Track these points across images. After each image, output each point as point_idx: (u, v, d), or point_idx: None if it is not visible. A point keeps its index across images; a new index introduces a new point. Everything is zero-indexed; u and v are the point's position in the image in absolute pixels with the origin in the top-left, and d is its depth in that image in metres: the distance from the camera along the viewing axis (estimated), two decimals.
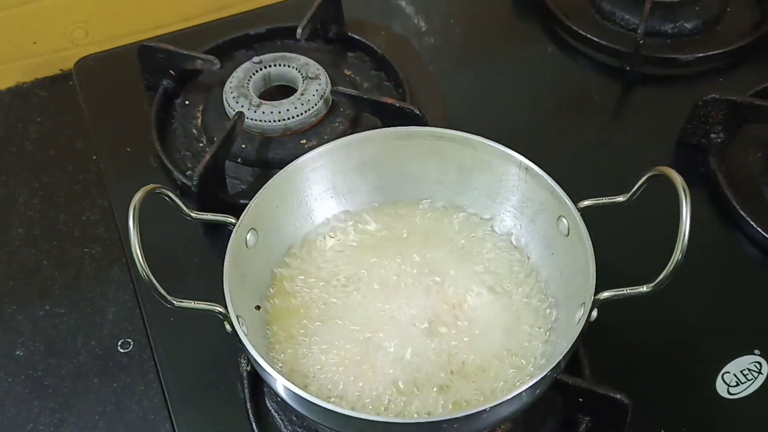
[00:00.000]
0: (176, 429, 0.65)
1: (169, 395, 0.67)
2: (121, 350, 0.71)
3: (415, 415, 0.57)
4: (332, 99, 0.83)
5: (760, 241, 0.74)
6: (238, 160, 0.81)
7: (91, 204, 0.82)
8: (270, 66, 0.85)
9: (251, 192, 0.65)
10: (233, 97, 0.81)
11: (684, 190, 0.54)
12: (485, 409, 0.51)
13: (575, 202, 0.61)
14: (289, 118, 0.80)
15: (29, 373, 0.70)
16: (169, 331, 0.70)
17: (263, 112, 0.80)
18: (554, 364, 0.53)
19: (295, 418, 0.64)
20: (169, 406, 0.66)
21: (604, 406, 0.61)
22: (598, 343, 0.64)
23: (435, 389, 0.58)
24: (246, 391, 0.65)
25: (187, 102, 0.87)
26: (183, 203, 0.60)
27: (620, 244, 0.71)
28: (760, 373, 0.66)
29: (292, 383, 0.52)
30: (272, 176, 0.65)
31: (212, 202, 0.74)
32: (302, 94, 0.82)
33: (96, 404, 0.68)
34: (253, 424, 0.64)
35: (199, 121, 0.85)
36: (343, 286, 0.65)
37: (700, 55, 0.90)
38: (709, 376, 0.66)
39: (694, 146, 0.82)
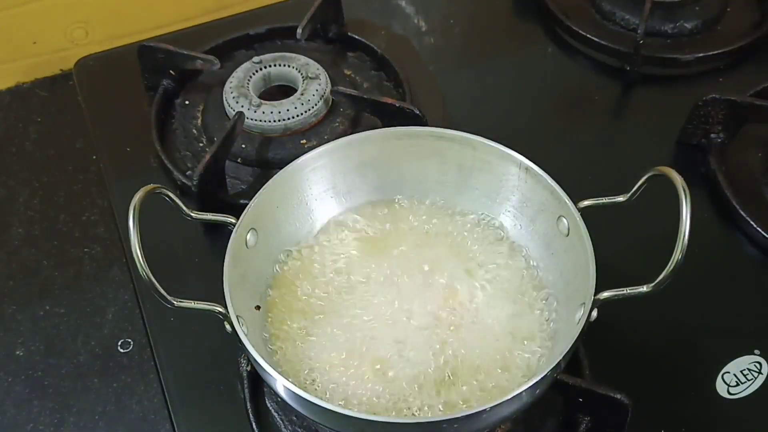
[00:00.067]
0: (176, 429, 0.65)
1: (169, 395, 0.67)
2: (121, 350, 0.71)
3: (415, 415, 0.57)
4: (332, 99, 0.83)
5: (760, 241, 0.74)
6: (238, 160, 0.81)
7: (91, 204, 0.82)
8: (270, 66, 0.85)
9: (251, 192, 0.65)
10: (233, 97, 0.81)
11: (684, 190, 0.54)
12: (485, 409, 0.51)
13: (575, 202, 0.61)
14: (289, 118, 0.80)
15: (29, 373, 0.70)
16: (169, 331, 0.70)
17: (263, 112, 0.80)
18: (554, 364, 0.53)
19: (295, 418, 0.64)
20: (169, 406, 0.66)
21: (604, 406, 0.61)
22: (598, 343, 0.64)
23: (435, 389, 0.58)
24: (246, 391, 0.65)
25: (187, 102, 0.87)
26: (183, 203, 0.60)
27: (620, 244, 0.71)
28: (760, 373, 0.66)
29: (292, 383, 0.52)
30: (272, 176, 0.65)
31: (212, 202, 0.74)
32: (302, 94, 0.82)
33: (96, 404, 0.68)
34: (253, 424, 0.64)
35: (199, 121, 0.85)
36: (343, 285, 0.65)
37: (700, 55, 0.90)
38: (709, 376, 0.66)
39: (694, 146, 0.82)
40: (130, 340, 0.72)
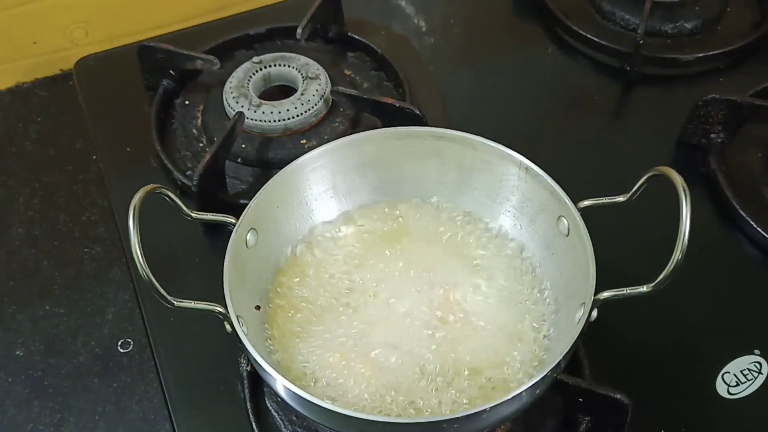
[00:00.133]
0: (176, 429, 0.65)
1: (169, 395, 0.67)
2: (121, 350, 0.71)
3: (415, 415, 0.57)
4: (332, 99, 0.83)
5: (760, 241, 0.74)
6: (238, 160, 0.81)
7: (91, 204, 0.82)
8: (270, 66, 0.85)
9: (251, 192, 0.65)
10: (233, 97, 0.81)
11: (684, 190, 0.54)
12: (485, 409, 0.51)
13: (575, 202, 0.61)
14: (289, 118, 0.80)
15: (29, 373, 0.70)
16: (169, 331, 0.70)
17: (263, 112, 0.80)
18: (554, 364, 0.53)
19: (295, 418, 0.64)
20: (169, 406, 0.66)
21: (604, 406, 0.61)
22: (598, 343, 0.64)
23: (435, 389, 0.58)
24: (246, 391, 0.65)
25: (187, 102, 0.87)
26: (183, 203, 0.60)
27: (620, 244, 0.71)
28: (760, 373, 0.66)
29: (292, 383, 0.52)
30: (272, 176, 0.65)
31: (212, 202, 0.74)
32: (302, 94, 0.82)
33: (96, 404, 0.68)
34: (253, 424, 0.64)
35: (199, 121, 0.85)
36: (343, 285, 0.65)
37: (700, 55, 0.90)
38: (709, 376, 0.66)
39: (694, 146, 0.82)
40: (130, 340, 0.72)
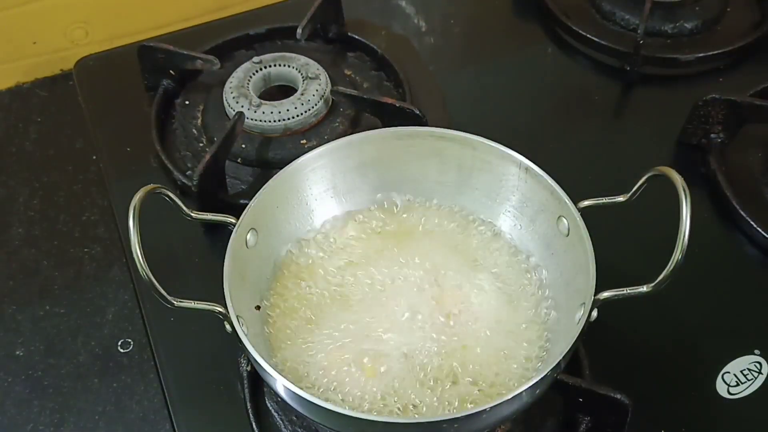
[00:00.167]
0: (176, 429, 0.65)
1: (169, 395, 0.67)
2: (121, 350, 0.71)
3: (415, 415, 0.57)
4: (332, 99, 0.83)
5: (760, 241, 0.74)
6: (238, 160, 0.81)
7: (91, 204, 0.82)
8: (270, 66, 0.85)
9: (251, 192, 0.65)
10: (233, 97, 0.81)
11: (684, 190, 0.54)
12: (485, 409, 0.51)
13: (575, 202, 0.61)
14: (289, 118, 0.80)
15: (29, 373, 0.70)
16: (169, 331, 0.70)
17: (263, 112, 0.80)
18: (554, 364, 0.53)
19: (295, 418, 0.64)
20: (169, 406, 0.66)
21: (604, 406, 0.61)
22: (598, 343, 0.64)
23: (435, 389, 0.58)
24: (246, 391, 0.65)
25: (187, 102, 0.87)
26: (183, 203, 0.60)
27: (620, 244, 0.71)
28: (760, 373, 0.66)
29: (292, 383, 0.52)
30: (272, 176, 0.65)
31: (212, 202, 0.74)
32: (302, 94, 0.82)
33: (96, 404, 0.68)
34: (253, 424, 0.64)
35: (199, 121, 0.85)
36: (343, 285, 0.65)
37: (700, 55, 0.90)
38: (709, 376, 0.66)
39: (694, 146, 0.82)
40: (130, 340, 0.72)
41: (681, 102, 0.83)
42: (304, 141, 0.81)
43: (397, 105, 0.80)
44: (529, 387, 0.52)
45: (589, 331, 0.55)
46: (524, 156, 0.64)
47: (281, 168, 0.65)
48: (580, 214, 0.60)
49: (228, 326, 0.56)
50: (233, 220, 0.61)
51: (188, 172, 0.80)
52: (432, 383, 0.59)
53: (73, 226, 0.81)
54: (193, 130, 0.85)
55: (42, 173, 0.85)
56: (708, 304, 0.71)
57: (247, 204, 0.63)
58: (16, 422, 0.67)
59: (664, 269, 0.53)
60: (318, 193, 0.68)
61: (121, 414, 0.67)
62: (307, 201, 0.68)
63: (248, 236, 0.62)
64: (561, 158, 0.79)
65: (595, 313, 0.56)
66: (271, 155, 0.80)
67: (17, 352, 0.72)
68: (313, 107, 0.81)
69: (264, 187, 0.64)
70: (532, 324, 0.62)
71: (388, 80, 0.90)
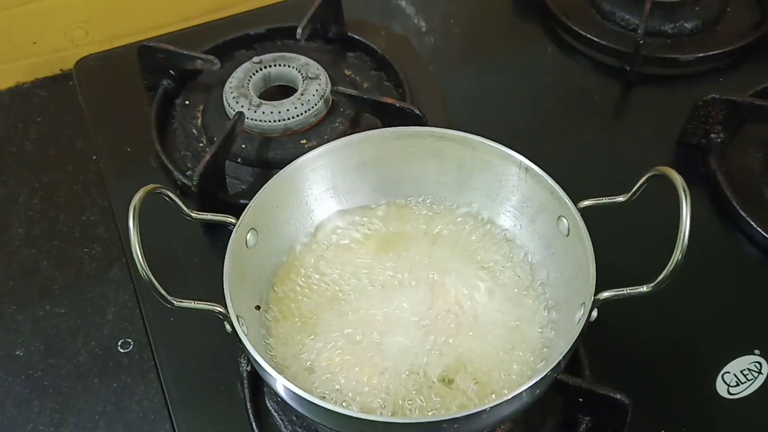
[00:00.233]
0: (176, 429, 0.65)
1: (169, 395, 0.67)
2: (121, 350, 0.71)
3: (415, 415, 0.57)
4: (332, 99, 0.83)
5: (760, 241, 0.74)
6: (238, 160, 0.81)
7: (91, 204, 0.82)
8: (270, 66, 0.85)
9: (251, 192, 0.65)
10: (233, 97, 0.81)
11: (684, 190, 0.54)
12: (485, 409, 0.51)
13: (575, 202, 0.61)
14: (289, 118, 0.80)
15: (29, 373, 0.70)
16: (169, 331, 0.70)
17: (263, 112, 0.80)
18: (554, 364, 0.53)
19: (295, 418, 0.64)
20: (169, 406, 0.66)
21: (604, 406, 0.61)
22: (598, 343, 0.64)
23: (435, 389, 0.58)
24: (246, 391, 0.65)
25: (187, 102, 0.87)
26: (183, 203, 0.60)
27: (620, 244, 0.71)
28: (760, 373, 0.66)
29: (292, 383, 0.52)
30: (272, 176, 0.65)
31: (212, 202, 0.74)
32: (302, 94, 0.82)
33: (96, 404, 0.68)
34: (253, 424, 0.64)
35: (199, 121, 0.85)
36: (343, 286, 0.65)
37: (700, 55, 0.90)
38: (709, 376, 0.66)
39: (694, 146, 0.82)
40: (130, 340, 0.72)
41: (681, 102, 0.83)
42: (304, 141, 0.81)
43: (397, 105, 0.80)
44: (529, 387, 0.52)
45: (589, 331, 0.55)
46: (524, 156, 0.64)
47: (281, 168, 0.65)
48: (580, 214, 0.60)
49: (228, 326, 0.56)
50: (233, 220, 0.61)
51: (188, 172, 0.80)
52: (432, 383, 0.59)
53: (73, 226, 0.81)
54: (193, 130, 0.85)
55: (42, 173, 0.85)
56: (708, 304, 0.71)
57: (247, 204, 0.63)
58: (16, 422, 0.67)
59: (664, 269, 0.53)
60: (318, 193, 0.68)
61: (121, 414, 0.67)
62: (307, 201, 0.68)
63: (248, 236, 0.62)
64: (561, 158, 0.79)
65: (595, 313, 0.56)
66: (271, 155, 0.80)
67: (17, 352, 0.72)
68: (313, 107, 0.81)
69: (264, 187, 0.64)
70: (532, 324, 0.62)
71: (388, 80, 0.90)
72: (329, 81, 0.84)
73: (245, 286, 0.61)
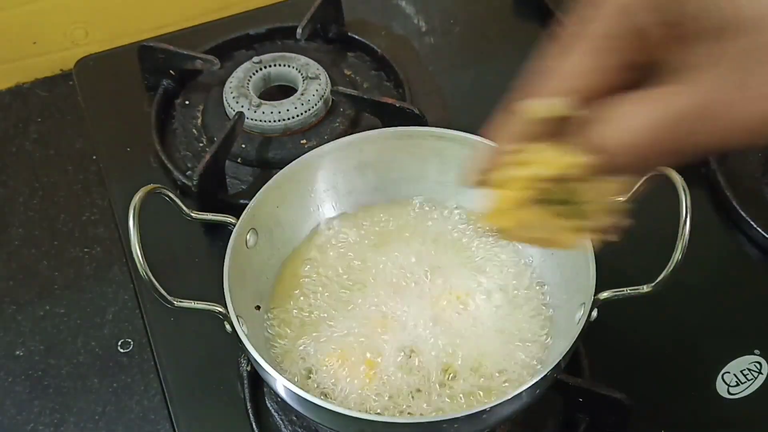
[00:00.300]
0: (176, 429, 0.65)
1: (169, 395, 0.67)
2: (121, 350, 0.71)
3: (416, 415, 0.57)
4: (332, 99, 0.83)
5: (760, 241, 0.74)
6: (238, 160, 0.81)
7: (91, 204, 0.82)
8: (270, 66, 0.85)
9: (251, 192, 0.65)
10: (233, 97, 0.81)
11: (684, 190, 0.54)
12: (485, 409, 0.51)
13: None
14: (289, 118, 0.80)
15: (29, 373, 0.70)
16: (169, 331, 0.70)
17: (263, 112, 0.80)
18: (554, 364, 0.53)
19: (295, 418, 0.64)
20: (169, 406, 0.66)
21: (604, 406, 0.61)
22: (598, 343, 0.64)
23: (435, 389, 0.58)
24: (246, 391, 0.65)
25: (187, 102, 0.87)
26: (183, 203, 0.60)
27: (620, 244, 0.71)
28: (760, 373, 0.66)
29: (292, 383, 0.52)
30: (272, 176, 0.65)
31: (212, 202, 0.74)
32: (302, 94, 0.82)
33: (96, 404, 0.68)
34: (253, 424, 0.64)
35: (199, 121, 0.85)
36: (343, 285, 0.65)
37: None
38: (709, 376, 0.66)
39: None
40: (130, 340, 0.72)
41: None
42: (304, 141, 0.81)
43: (397, 105, 0.80)
44: (529, 387, 0.52)
45: (589, 331, 0.55)
46: None
47: (281, 168, 0.65)
48: None
49: (228, 326, 0.56)
50: (233, 220, 0.61)
51: (188, 172, 0.80)
52: (432, 383, 0.59)
53: (73, 226, 0.81)
54: (193, 130, 0.85)
55: (42, 173, 0.85)
56: (708, 304, 0.71)
57: (247, 204, 0.63)
58: (16, 422, 0.67)
59: (664, 269, 0.53)
60: (318, 192, 0.68)
61: (121, 414, 0.67)
62: (307, 201, 0.68)
63: (248, 236, 0.62)
64: None
65: (595, 313, 0.56)
66: (271, 155, 0.80)
67: (17, 352, 0.72)
68: (313, 107, 0.81)
69: (264, 187, 0.64)
70: (532, 324, 0.62)
71: (388, 80, 0.90)
72: (329, 81, 0.84)
73: (245, 286, 0.61)
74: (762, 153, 0.81)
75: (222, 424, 0.66)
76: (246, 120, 0.80)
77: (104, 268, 0.77)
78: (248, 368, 0.65)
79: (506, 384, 0.59)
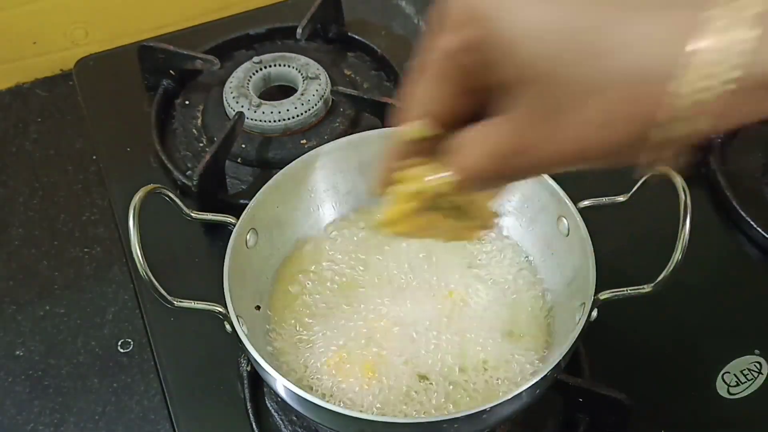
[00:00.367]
0: (176, 429, 0.65)
1: (169, 395, 0.67)
2: (121, 350, 0.71)
3: (416, 415, 0.57)
4: (332, 99, 0.83)
5: (760, 241, 0.74)
6: (238, 160, 0.81)
7: (91, 204, 0.82)
8: (270, 66, 0.85)
9: (251, 192, 0.65)
10: (233, 97, 0.81)
11: (684, 190, 0.54)
12: (485, 409, 0.51)
13: (575, 202, 0.61)
14: (289, 118, 0.80)
15: (29, 373, 0.70)
16: (169, 331, 0.70)
17: (263, 112, 0.80)
18: (554, 364, 0.53)
19: (295, 418, 0.64)
20: (169, 406, 0.66)
21: (604, 406, 0.61)
22: (598, 343, 0.64)
23: (435, 388, 0.58)
24: (246, 391, 0.65)
25: (187, 102, 0.87)
26: (183, 203, 0.60)
27: (620, 244, 0.71)
28: (760, 373, 0.66)
29: (292, 383, 0.52)
30: (272, 176, 0.65)
31: (212, 202, 0.74)
32: (302, 94, 0.82)
33: (96, 404, 0.68)
34: (253, 424, 0.64)
35: (199, 121, 0.85)
36: (344, 285, 0.65)
37: None
38: (709, 376, 0.66)
39: (694, 146, 0.82)
40: (130, 340, 0.72)
41: None
42: (304, 141, 0.81)
43: (397, 105, 0.79)
44: (529, 387, 0.52)
45: (589, 331, 0.55)
46: None
47: (281, 168, 0.65)
48: (580, 214, 0.60)
49: (228, 326, 0.56)
50: (233, 220, 0.61)
51: (188, 172, 0.80)
52: (432, 383, 0.59)
53: (73, 226, 0.81)
54: (193, 130, 0.85)
55: (42, 173, 0.85)
56: (708, 304, 0.71)
57: (247, 204, 0.63)
58: (16, 422, 0.67)
59: (664, 269, 0.53)
60: (318, 192, 0.68)
61: (121, 414, 0.67)
62: (307, 201, 0.68)
63: (248, 236, 0.62)
64: None
65: (595, 313, 0.56)
66: (271, 155, 0.80)
67: (17, 352, 0.72)
68: (313, 107, 0.81)
69: (264, 187, 0.64)
70: (532, 324, 0.62)
71: (388, 80, 0.90)
72: (329, 81, 0.84)
73: (245, 286, 0.61)
74: (762, 153, 0.81)
75: (222, 424, 0.66)
76: (246, 120, 0.80)
77: (104, 268, 0.77)
78: (248, 368, 0.65)
79: (506, 384, 0.59)
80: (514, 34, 0.33)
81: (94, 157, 0.85)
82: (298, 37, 0.86)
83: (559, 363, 0.53)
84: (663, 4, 0.30)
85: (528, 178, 0.38)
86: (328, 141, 0.68)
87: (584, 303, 0.56)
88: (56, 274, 0.77)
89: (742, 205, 0.75)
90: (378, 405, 0.58)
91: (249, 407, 0.64)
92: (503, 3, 0.33)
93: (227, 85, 0.83)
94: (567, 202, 0.61)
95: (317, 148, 0.67)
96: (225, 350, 0.66)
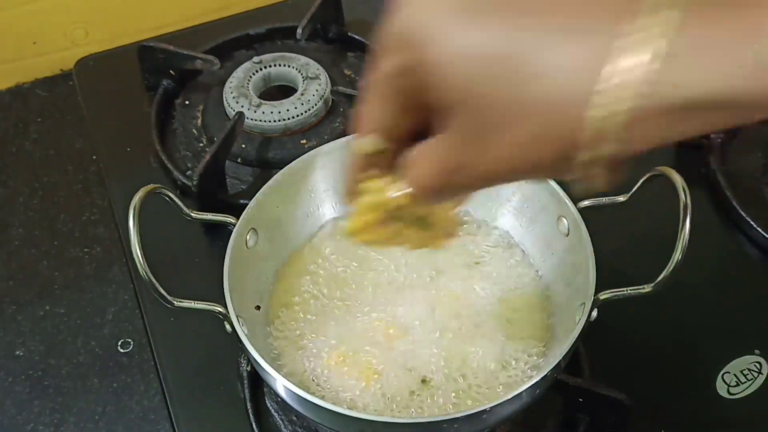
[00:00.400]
0: (176, 429, 0.65)
1: (169, 395, 0.67)
2: (121, 350, 0.71)
3: (416, 415, 0.57)
4: (332, 99, 0.83)
5: (760, 241, 0.74)
6: (238, 160, 0.81)
7: (91, 204, 0.82)
8: (270, 66, 0.85)
9: (251, 192, 0.65)
10: (233, 97, 0.81)
11: (684, 190, 0.54)
12: (485, 409, 0.51)
13: (575, 202, 0.61)
14: (289, 118, 0.80)
15: (29, 373, 0.70)
16: (169, 331, 0.70)
17: (263, 112, 0.80)
18: (554, 364, 0.53)
19: (295, 418, 0.64)
20: (169, 406, 0.66)
21: (604, 406, 0.61)
22: (598, 343, 0.64)
23: (435, 388, 0.58)
24: (246, 391, 0.65)
25: (187, 102, 0.87)
26: (183, 203, 0.60)
27: (620, 244, 0.71)
28: (760, 373, 0.66)
29: (292, 383, 0.52)
30: (272, 176, 0.65)
31: (212, 202, 0.74)
32: (302, 94, 0.82)
33: (96, 404, 0.68)
34: (253, 424, 0.64)
35: (199, 121, 0.85)
36: (344, 285, 0.65)
37: None
38: (709, 376, 0.66)
39: (694, 146, 0.82)
40: (130, 340, 0.72)
41: None
42: (304, 141, 0.81)
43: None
44: (529, 387, 0.52)
45: (589, 331, 0.55)
46: None
47: (281, 168, 0.65)
48: (580, 214, 0.60)
49: (228, 326, 0.56)
50: (233, 220, 0.61)
51: (188, 172, 0.80)
52: (431, 383, 0.59)
53: (73, 226, 0.81)
54: (193, 130, 0.85)
55: (42, 173, 0.85)
56: (708, 304, 0.71)
57: (247, 204, 0.63)
58: (16, 422, 0.67)
59: (664, 269, 0.53)
60: (318, 192, 0.68)
61: (121, 414, 0.67)
62: (308, 201, 0.68)
63: (248, 236, 0.62)
64: None
65: (595, 313, 0.56)
66: (271, 155, 0.80)
67: (17, 352, 0.72)
68: (313, 107, 0.81)
69: (264, 187, 0.64)
70: (532, 324, 0.62)
71: None
72: (329, 81, 0.84)
73: (245, 286, 0.61)
74: (762, 153, 0.81)
75: (222, 424, 0.66)
76: (246, 120, 0.80)
77: (104, 268, 0.77)
78: (248, 368, 0.65)
79: (506, 384, 0.59)
80: (444, 59, 0.34)
81: (94, 157, 0.85)
82: (298, 37, 0.86)
83: (559, 363, 0.53)
84: (586, 28, 0.31)
85: (478, 190, 0.39)
86: (328, 141, 0.68)
87: (584, 303, 0.56)
88: (56, 274, 0.77)
89: (742, 205, 0.75)
90: (378, 405, 0.58)
91: (249, 407, 0.64)
92: (436, 28, 0.34)
93: (227, 85, 0.83)
94: (567, 202, 0.61)
95: (317, 148, 0.67)
96: (225, 350, 0.66)
